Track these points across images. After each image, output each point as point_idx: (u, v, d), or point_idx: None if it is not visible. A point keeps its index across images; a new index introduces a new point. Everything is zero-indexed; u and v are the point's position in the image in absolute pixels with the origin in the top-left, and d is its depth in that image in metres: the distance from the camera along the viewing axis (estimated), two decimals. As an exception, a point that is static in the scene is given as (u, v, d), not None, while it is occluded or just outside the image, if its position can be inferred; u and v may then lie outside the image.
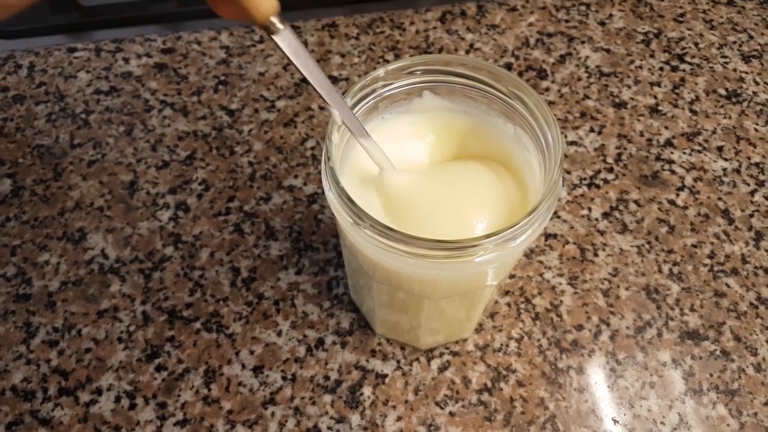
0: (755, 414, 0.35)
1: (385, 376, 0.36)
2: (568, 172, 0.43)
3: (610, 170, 0.44)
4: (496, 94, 0.29)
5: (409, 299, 0.31)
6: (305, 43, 0.50)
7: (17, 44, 0.51)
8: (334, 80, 0.48)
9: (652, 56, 0.50)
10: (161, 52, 0.49)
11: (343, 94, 0.46)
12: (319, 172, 0.43)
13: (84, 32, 0.53)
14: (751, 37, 0.51)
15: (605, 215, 0.42)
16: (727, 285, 0.39)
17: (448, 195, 0.29)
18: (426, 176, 0.29)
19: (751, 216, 0.42)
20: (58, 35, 0.52)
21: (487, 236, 0.24)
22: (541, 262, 0.40)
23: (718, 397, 0.35)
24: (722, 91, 0.48)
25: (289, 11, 0.53)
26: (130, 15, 0.53)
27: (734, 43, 0.51)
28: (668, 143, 0.45)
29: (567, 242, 0.40)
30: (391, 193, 0.29)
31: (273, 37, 0.24)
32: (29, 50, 0.49)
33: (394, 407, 0.35)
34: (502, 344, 0.37)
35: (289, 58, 0.24)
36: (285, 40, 0.24)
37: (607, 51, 0.50)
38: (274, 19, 0.23)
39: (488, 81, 0.29)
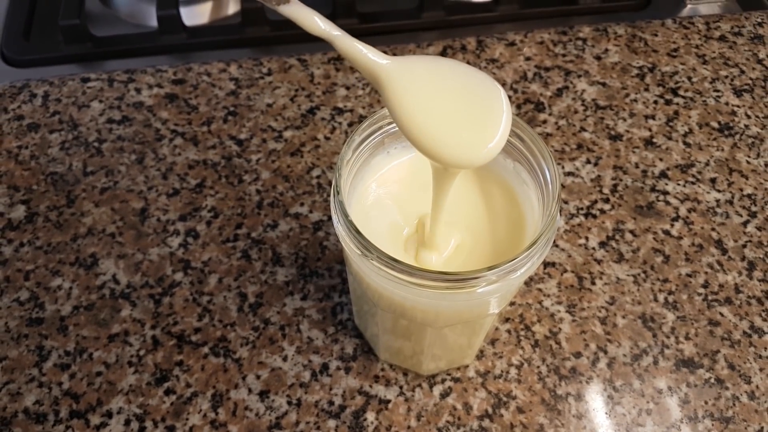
0: (749, 441, 0.36)
1: (388, 401, 0.37)
2: (566, 202, 0.45)
3: (606, 201, 0.45)
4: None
5: (412, 326, 0.32)
6: (311, 76, 0.51)
7: (32, 73, 0.53)
8: (339, 111, 0.49)
9: (646, 90, 0.52)
10: (172, 82, 0.51)
11: (350, 126, 0.48)
12: (324, 200, 0.44)
13: (97, 62, 0.54)
14: (743, 72, 0.53)
15: (602, 244, 0.43)
16: (721, 314, 0.40)
17: (453, 228, 0.30)
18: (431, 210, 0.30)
19: (744, 246, 0.43)
20: (71, 65, 0.54)
21: (489, 269, 0.25)
22: (540, 289, 0.41)
23: (713, 425, 0.36)
24: (715, 124, 0.50)
25: (296, 44, 0.54)
26: (142, 46, 0.55)
27: (726, 77, 0.53)
28: (663, 175, 0.47)
29: (565, 270, 0.42)
30: (402, 227, 0.30)
31: None
32: (44, 80, 0.51)
33: (396, 432, 0.36)
34: (502, 371, 0.38)
35: None
36: None
37: (603, 85, 0.52)
38: None
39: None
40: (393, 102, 0.25)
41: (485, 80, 0.26)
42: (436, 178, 0.28)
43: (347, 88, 0.51)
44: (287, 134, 0.48)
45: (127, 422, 0.36)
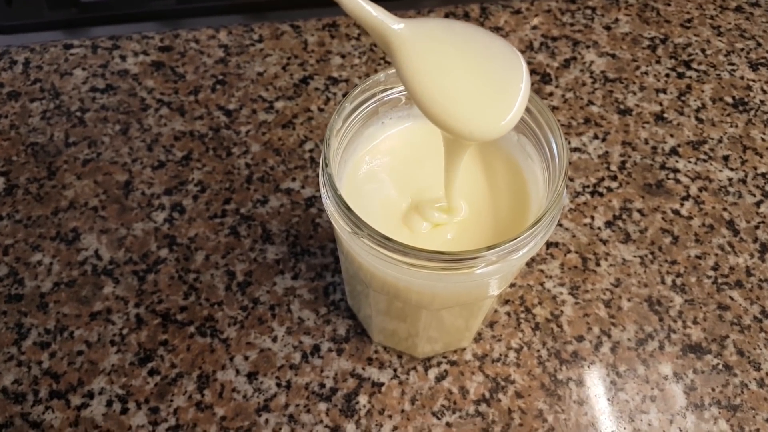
0: (757, 430, 0.34)
1: (382, 384, 0.35)
2: (571, 180, 0.43)
3: (614, 178, 0.43)
4: (499, 99, 0.28)
5: (407, 308, 0.31)
6: (304, 43, 0.49)
7: (13, 40, 0.50)
8: (333, 81, 0.47)
9: (658, 62, 0.49)
10: (158, 50, 0.48)
11: (344, 95, 0.46)
12: (318, 175, 0.42)
13: (81, 28, 0.52)
14: (759, 45, 0.51)
15: (608, 224, 0.41)
16: (731, 298, 0.38)
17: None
18: (428, 184, 0.29)
19: (757, 228, 0.41)
20: (54, 31, 0.52)
21: (489, 248, 0.23)
22: (542, 270, 0.39)
23: (719, 413, 0.35)
24: (729, 99, 0.47)
25: (289, 10, 0.52)
26: (128, 11, 0.52)
27: (742, 50, 0.50)
28: (673, 151, 0.44)
29: (569, 251, 0.40)
30: (397, 201, 0.28)
31: None
32: (25, 46, 0.49)
33: (390, 417, 0.34)
34: (501, 354, 0.36)
35: None
36: None
37: (613, 56, 0.49)
38: None
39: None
40: (405, 69, 0.23)
41: (505, 48, 0.24)
42: (447, 148, 0.26)
43: (342, 57, 0.48)
44: (278, 105, 0.46)
45: (109, 403, 0.34)
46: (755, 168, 0.44)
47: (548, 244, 0.40)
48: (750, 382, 0.36)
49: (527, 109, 0.27)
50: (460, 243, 0.28)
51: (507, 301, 0.38)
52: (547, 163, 0.27)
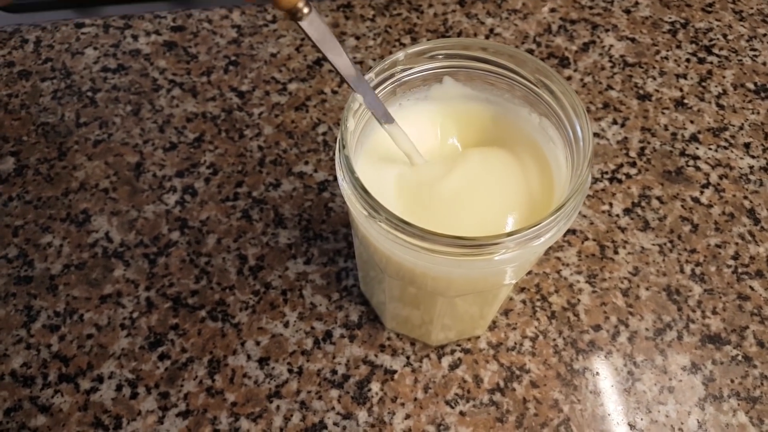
0: (778, 423, 0.34)
1: (394, 372, 0.35)
2: (589, 166, 0.42)
3: (633, 164, 0.42)
4: (519, 81, 0.27)
5: (422, 295, 0.30)
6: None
7: (24, 18, 0.50)
8: (348, 64, 0.46)
9: (678, 47, 0.48)
10: (171, 29, 0.48)
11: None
12: (331, 159, 0.42)
13: (92, 7, 0.51)
14: (783, 30, 0.49)
15: (627, 211, 0.40)
16: (751, 288, 0.38)
17: (468, 190, 0.27)
18: (446, 167, 0.28)
19: (779, 216, 0.40)
20: (65, 10, 0.51)
21: (509, 234, 0.23)
22: (558, 258, 0.38)
23: (738, 404, 0.34)
24: (751, 86, 0.46)
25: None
26: (140, -9, 0.52)
27: (764, 35, 0.49)
28: (693, 138, 0.43)
29: (586, 238, 0.39)
30: (412, 185, 0.28)
31: (299, 23, 0.23)
32: (36, 25, 0.48)
33: (402, 405, 0.34)
34: (516, 343, 0.36)
35: (314, 43, 0.24)
36: (312, 25, 0.23)
37: (632, 40, 0.48)
38: (300, 4, 0.22)
39: (510, 66, 0.27)
40: None
41: None
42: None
43: (357, 38, 0.47)
44: (292, 87, 0.45)
45: (119, 387, 0.34)
46: (778, 156, 0.43)
47: (565, 231, 0.39)
48: (770, 374, 0.35)
49: (550, 90, 0.26)
50: (480, 228, 0.27)
51: (522, 289, 0.37)
52: (570, 147, 0.26)
